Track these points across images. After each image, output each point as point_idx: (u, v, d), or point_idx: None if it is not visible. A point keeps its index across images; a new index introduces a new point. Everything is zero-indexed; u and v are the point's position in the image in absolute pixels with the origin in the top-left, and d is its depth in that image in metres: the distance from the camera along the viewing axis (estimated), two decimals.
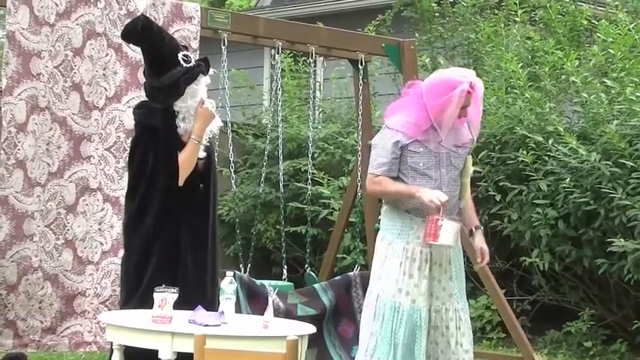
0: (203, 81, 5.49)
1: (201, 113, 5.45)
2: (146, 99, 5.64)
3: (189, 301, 5.03)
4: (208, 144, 5.59)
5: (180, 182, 5.39)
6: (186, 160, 5.41)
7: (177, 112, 5.44)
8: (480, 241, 5.89)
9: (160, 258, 5.37)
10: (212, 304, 5.29)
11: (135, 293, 5.37)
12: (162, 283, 5.06)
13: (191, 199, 5.47)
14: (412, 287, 5.69)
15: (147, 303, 5.00)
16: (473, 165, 5.96)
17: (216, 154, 5.99)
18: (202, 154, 5.52)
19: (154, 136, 5.41)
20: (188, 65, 5.43)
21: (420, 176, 5.71)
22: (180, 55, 5.43)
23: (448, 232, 5.62)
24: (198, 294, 5.30)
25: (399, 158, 5.72)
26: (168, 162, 5.38)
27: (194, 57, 5.58)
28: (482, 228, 6.00)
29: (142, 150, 5.44)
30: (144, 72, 5.70)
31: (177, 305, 4.90)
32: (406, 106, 5.81)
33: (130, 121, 6.51)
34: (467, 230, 5.98)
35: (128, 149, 5.76)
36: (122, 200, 6.41)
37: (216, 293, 5.40)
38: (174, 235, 5.40)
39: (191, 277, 5.40)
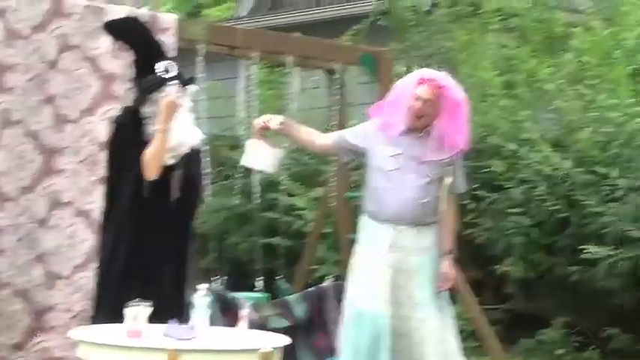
0: (168, 90, 5.60)
1: (163, 104, 5.56)
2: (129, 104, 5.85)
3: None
4: (181, 153, 5.68)
5: (149, 175, 5.50)
6: (151, 150, 5.51)
7: (145, 117, 5.61)
8: (445, 266, 5.88)
9: (125, 260, 5.48)
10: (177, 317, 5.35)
11: (102, 296, 5.45)
12: (126, 287, 5.21)
13: (159, 207, 5.57)
14: (375, 293, 5.72)
15: (114, 310, 5.04)
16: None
17: (206, 170, 6.06)
18: (171, 160, 5.60)
19: (121, 135, 5.62)
20: (164, 75, 5.59)
21: (385, 178, 5.81)
22: (161, 64, 5.60)
23: (250, 153, 5.74)
24: (161, 306, 5.33)
25: (358, 141, 5.92)
26: (134, 158, 5.51)
27: (174, 69, 5.68)
28: (454, 253, 5.97)
29: (113, 150, 5.66)
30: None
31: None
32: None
33: (104, 134, 6.56)
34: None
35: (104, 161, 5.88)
36: (94, 214, 6.47)
37: (184, 307, 5.47)
38: (138, 238, 5.49)
39: (153, 288, 5.46)
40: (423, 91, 5.74)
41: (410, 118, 5.79)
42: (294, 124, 6.16)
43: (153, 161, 5.50)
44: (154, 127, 5.58)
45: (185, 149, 5.67)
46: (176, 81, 5.63)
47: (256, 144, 5.76)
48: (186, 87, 5.69)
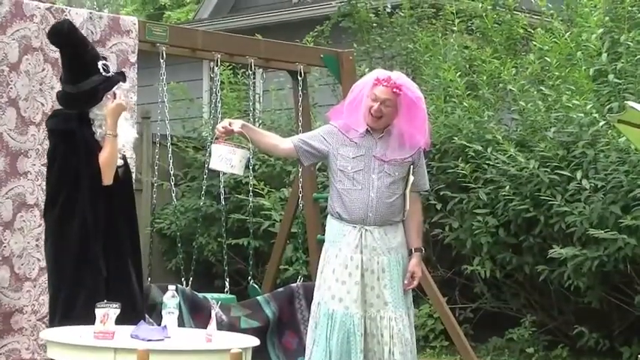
0: (117, 91, 5.52)
1: (111, 108, 5.46)
2: (59, 108, 5.65)
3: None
4: (124, 153, 5.62)
5: (107, 181, 5.41)
6: (108, 157, 5.42)
7: (93, 119, 5.47)
8: (413, 264, 5.88)
9: (94, 269, 5.35)
10: (141, 314, 5.29)
11: (76, 303, 5.34)
12: (101, 293, 5.11)
13: (115, 205, 5.49)
14: (345, 294, 5.71)
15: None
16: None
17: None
18: (119, 161, 5.54)
19: (72, 142, 5.41)
20: (107, 74, 5.48)
21: (348, 179, 5.80)
22: (100, 64, 5.48)
23: (216, 156, 5.76)
24: (128, 305, 5.27)
25: (319, 145, 5.85)
26: (90, 164, 5.39)
27: (112, 67, 5.65)
28: (422, 251, 5.98)
29: (61, 158, 5.45)
30: (60, 78, 5.69)
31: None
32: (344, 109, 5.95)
33: None
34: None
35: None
36: None
37: (144, 303, 5.43)
38: (102, 242, 5.40)
39: (120, 287, 5.40)
40: (380, 92, 5.74)
41: (369, 119, 5.78)
42: (255, 128, 6.14)
43: (110, 167, 5.41)
44: (103, 132, 5.46)
45: (127, 148, 5.64)
46: (122, 82, 5.55)
47: (221, 147, 5.76)
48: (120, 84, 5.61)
